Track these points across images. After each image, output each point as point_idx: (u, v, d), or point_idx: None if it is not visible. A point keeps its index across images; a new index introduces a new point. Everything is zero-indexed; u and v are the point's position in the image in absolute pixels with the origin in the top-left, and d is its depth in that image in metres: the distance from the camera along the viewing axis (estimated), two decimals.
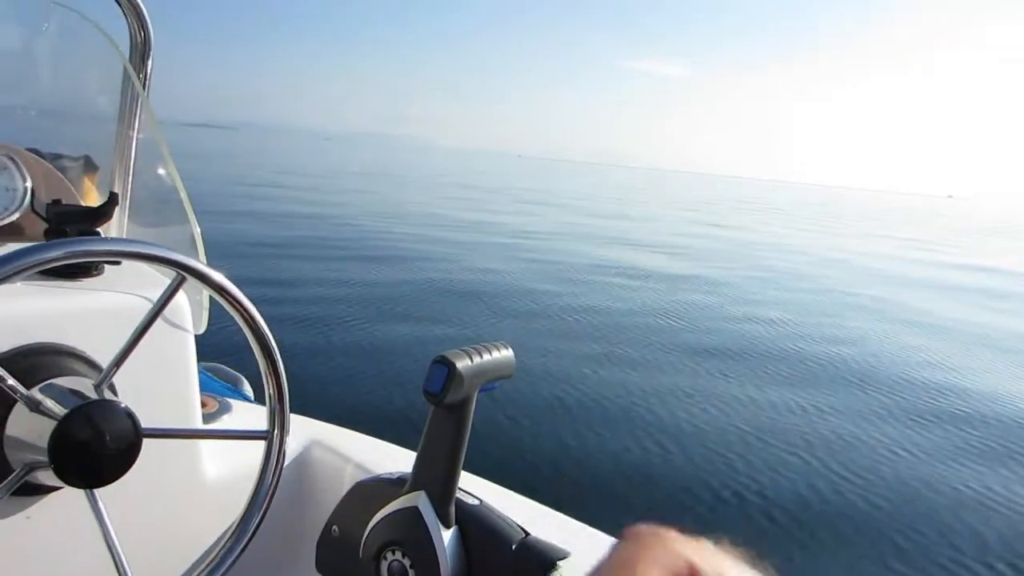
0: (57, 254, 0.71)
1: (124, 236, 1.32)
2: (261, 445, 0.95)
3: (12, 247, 1.07)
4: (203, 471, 1.13)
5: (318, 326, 6.02)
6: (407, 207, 18.51)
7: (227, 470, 1.15)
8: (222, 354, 2.30)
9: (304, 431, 1.32)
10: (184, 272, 0.82)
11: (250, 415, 1.37)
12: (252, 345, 0.90)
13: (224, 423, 1.31)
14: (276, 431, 0.94)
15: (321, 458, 1.30)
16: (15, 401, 0.79)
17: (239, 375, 2.62)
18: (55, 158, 1.32)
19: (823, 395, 5.37)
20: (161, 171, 1.29)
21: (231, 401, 1.40)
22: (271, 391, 0.93)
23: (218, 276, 0.85)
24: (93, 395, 0.80)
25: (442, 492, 0.93)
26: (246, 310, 0.87)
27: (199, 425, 1.14)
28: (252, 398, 2.32)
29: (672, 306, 8.31)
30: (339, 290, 7.54)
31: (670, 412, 4.68)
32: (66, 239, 0.73)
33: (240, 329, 0.89)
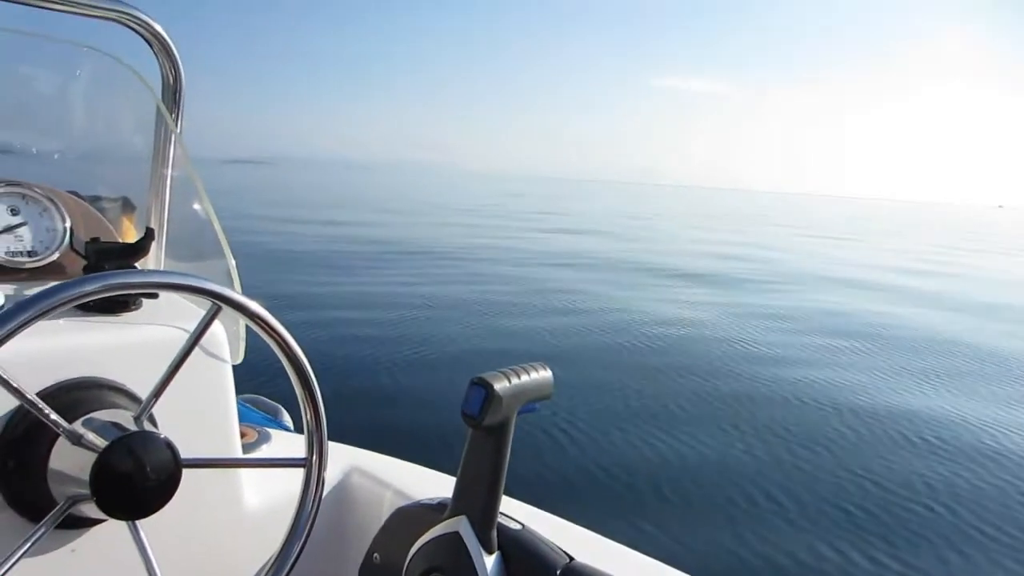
0: (95, 287, 0.72)
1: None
2: (300, 473, 0.94)
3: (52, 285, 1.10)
4: (243, 501, 1.13)
5: (355, 353, 6.06)
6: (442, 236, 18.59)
7: (267, 499, 1.15)
8: (261, 386, 2.32)
9: (343, 458, 1.32)
10: (219, 302, 0.83)
11: (289, 444, 1.37)
12: (289, 373, 0.90)
13: (263, 453, 1.31)
14: (315, 458, 0.94)
15: (360, 485, 1.29)
16: (57, 435, 0.79)
17: (278, 406, 2.63)
18: (94, 200, 1.35)
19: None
20: (196, 206, 1.31)
21: (270, 431, 1.40)
22: (308, 418, 0.92)
23: (254, 305, 0.85)
24: (133, 427, 0.80)
25: (483, 517, 0.91)
26: (282, 338, 0.87)
27: (238, 455, 1.14)
28: (292, 428, 2.33)
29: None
30: (374, 314, 7.62)
31: (719, 434, 4.59)
32: (104, 272, 0.73)
33: (278, 358, 0.90)
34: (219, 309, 0.84)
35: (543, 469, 3.82)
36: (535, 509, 1.18)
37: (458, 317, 7.71)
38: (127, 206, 1.44)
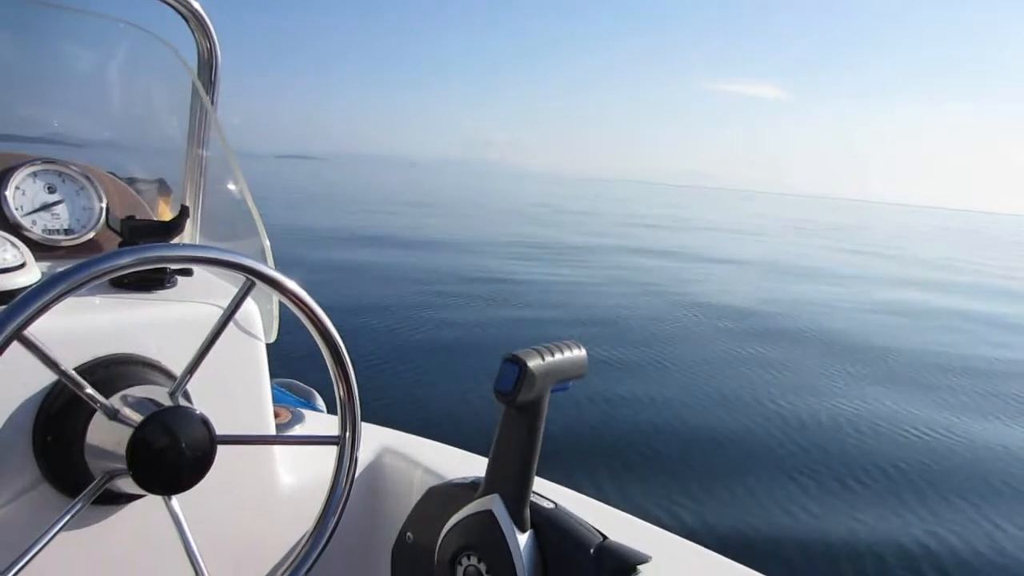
0: (129, 260, 0.72)
1: None
2: (333, 455, 0.94)
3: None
4: (278, 479, 1.13)
5: (388, 334, 6.16)
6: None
7: (301, 479, 1.16)
8: (295, 372, 2.34)
9: (375, 439, 1.32)
10: (253, 277, 0.82)
11: (323, 424, 1.38)
12: (322, 350, 0.90)
13: (297, 433, 1.32)
14: (348, 435, 0.93)
15: (393, 465, 1.29)
16: (94, 410, 0.80)
17: (312, 390, 2.65)
18: (130, 182, 1.36)
19: None
20: (231, 185, 1.31)
21: (304, 412, 1.41)
22: (341, 395, 0.92)
23: (287, 281, 0.85)
24: (168, 403, 0.81)
25: (517, 495, 0.90)
26: (315, 314, 0.87)
27: (272, 433, 1.15)
28: (325, 411, 2.35)
29: None
30: (411, 299, 7.77)
31: (750, 418, 4.55)
32: (139, 246, 0.73)
33: (312, 341, 0.89)
34: (252, 284, 0.84)
35: (576, 451, 3.82)
36: (569, 490, 1.16)
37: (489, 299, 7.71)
38: (163, 188, 1.45)
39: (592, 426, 4.21)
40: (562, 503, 0.96)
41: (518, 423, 0.89)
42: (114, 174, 1.32)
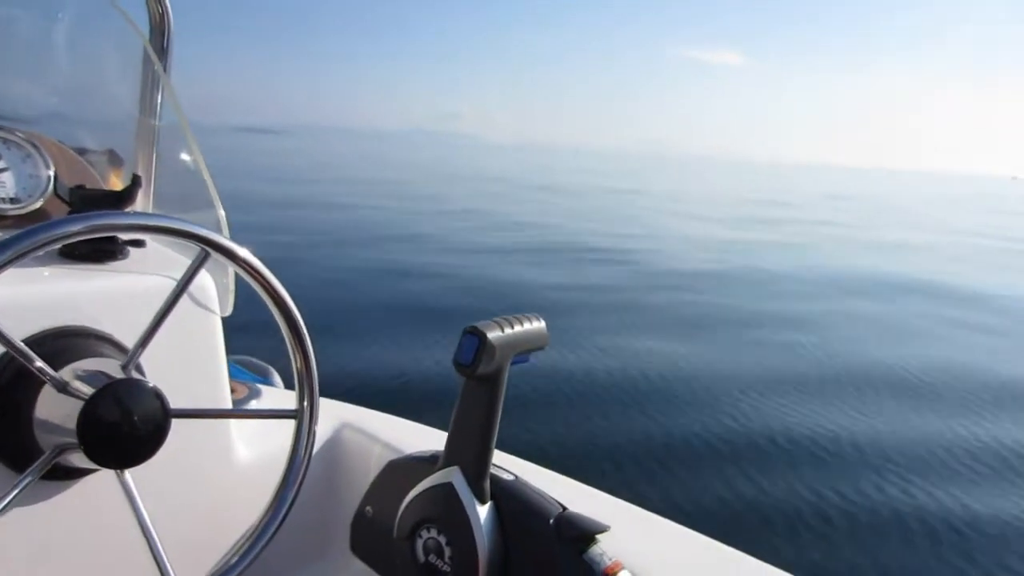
0: (80, 227, 0.70)
1: None
2: (291, 429, 0.93)
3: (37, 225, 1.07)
4: (235, 454, 1.12)
5: (343, 308, 6.12)
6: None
7: (259, 453, 1.14)
8: (251, 349, 2.31)
9: (334, 414, 1.31)
10: (207, 247, 0.81)
11: (280, 399, 1.36)
12: (278, 321, 0.88)
13: (254, 407, 1.30)
14: (306, 407, 0.93)
15: (352, 440, 1.28)
16: (43, 384, 0.78)
17: (268, 367, 2.62)
18: (80, 152, 1.32)
19: None
20: (184, 155, 1.28)
21: (261, 387, 1.39)
22: (299, 367, 0.91)
23: (243, 251, 0.83)
24: (120, 375, 0.79)
25: (476, 467, 0.91)
26: (271, 285, 0.86)
27: (228, 407, 1.13)
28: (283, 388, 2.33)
29: None
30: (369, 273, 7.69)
31: (712, 391, 4.64)
32: (89, 213, 0.71)
33: (269, 316, 0.88)
34: (207, 255, 0.82)
35: (535, 425, 3.86)
36: (528, 463, 1.18)
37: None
38: (114, 159, 1.40)
39: (549, 396, 4.25)
40: (522, 475, 0.97)
41: (477, 395, 0.89)
42: (62, 143, 1.28)
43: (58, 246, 0.70)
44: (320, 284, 7.15)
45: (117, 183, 1.37)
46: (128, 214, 0.79)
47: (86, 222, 0.70)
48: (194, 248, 0.81)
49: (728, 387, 4.76)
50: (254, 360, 2.60)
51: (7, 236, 0.66)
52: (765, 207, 24.37)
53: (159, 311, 0.82)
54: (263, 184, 19.49)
